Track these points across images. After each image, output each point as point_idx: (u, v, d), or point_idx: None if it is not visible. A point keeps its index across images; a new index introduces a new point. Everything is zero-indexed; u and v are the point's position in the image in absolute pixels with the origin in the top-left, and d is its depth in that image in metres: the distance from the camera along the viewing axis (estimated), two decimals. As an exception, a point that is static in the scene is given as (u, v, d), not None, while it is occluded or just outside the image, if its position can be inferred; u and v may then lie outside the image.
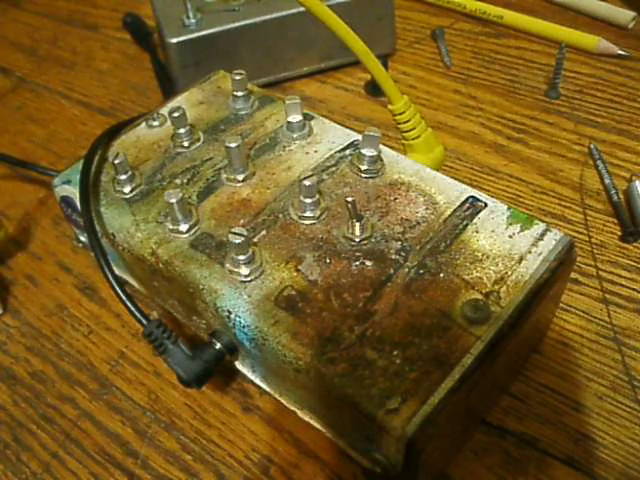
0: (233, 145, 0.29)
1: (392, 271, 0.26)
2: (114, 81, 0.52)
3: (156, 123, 0.34)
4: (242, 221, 0.28)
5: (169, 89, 0.47)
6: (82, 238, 0.35)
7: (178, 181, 0.31)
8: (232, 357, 0.27)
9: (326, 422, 0.26)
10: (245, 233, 0.25)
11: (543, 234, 0.26)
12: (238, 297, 0.25)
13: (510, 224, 0.27)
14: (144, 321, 0.26)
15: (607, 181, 0.38)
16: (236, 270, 0.26)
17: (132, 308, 0.27)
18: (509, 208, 0.28)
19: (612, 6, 0.52)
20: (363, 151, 0.29)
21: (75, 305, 0.35)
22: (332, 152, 0.31)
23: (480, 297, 0.24)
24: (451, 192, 0.29)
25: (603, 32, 0.50)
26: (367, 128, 0.29)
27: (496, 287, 0.25)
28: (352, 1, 0.45)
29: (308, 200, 0.27)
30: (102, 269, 0.27)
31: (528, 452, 0.27)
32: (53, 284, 0.36)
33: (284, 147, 0.32)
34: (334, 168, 0.30)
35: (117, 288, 0.27)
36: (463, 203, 0.28)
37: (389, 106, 0.33)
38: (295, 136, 0.32)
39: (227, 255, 0.26)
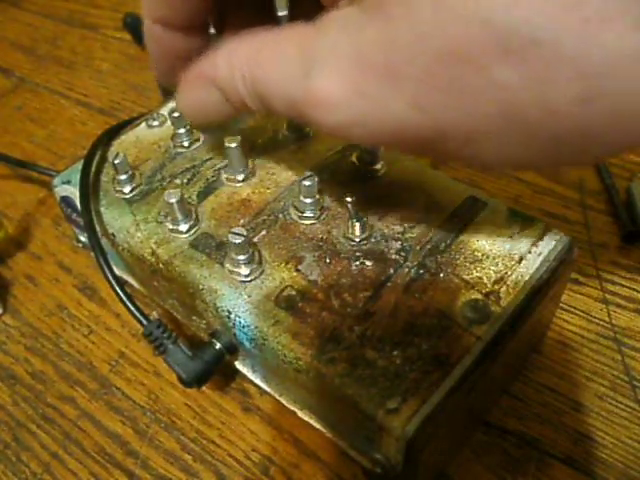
0: (233, 145, 0.29)
1: (392, 271, 0.26)
2: (114, 81, 0.52)
3: (156, 123, 0.34)
4: (242, 221, 0.28)
5: (169, 89, 0.47)
6: (82, 238, 0.35)
7: (178, 181, 0.30)
8: (232, 357, 0.27)
9: (326, 422, 0.26)
10: (245, 233, 0.25)
11: (543, 234, 0.26)
12: (238, 297, 0.25)
13: (510, 224, 0.27)
14: (144, 321, 0.26)
15: (607, 181, 0.38)
16: (236, 270, 0.26)
17: (132, 308, 0.27)
18: (509, 208, 0.28)
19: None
20: (363, 151, 0.29)
21: (75, 305, 0.35)
22: (332, 152, 0.31)
23: (480, 297, 0.24)
24: (451, 192, 0.29)
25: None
26: (367, 128, 0.29)
27: (496, 287, 0.25)
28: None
29: (308, 200, 0.27)
30: (102, 269, 0.27)
31: (528, 452, 0.27)
32: (53, 284, 0.36)
33: (284, 147, 0.32)
34: (334, 168, 0.30)
35: (117, 288, 0.27)
36: (463, 203, 0.28)
37: (389, 106, 0.33)
38: (295, 136, 0.32)
39: (227, 255, 0.26)
